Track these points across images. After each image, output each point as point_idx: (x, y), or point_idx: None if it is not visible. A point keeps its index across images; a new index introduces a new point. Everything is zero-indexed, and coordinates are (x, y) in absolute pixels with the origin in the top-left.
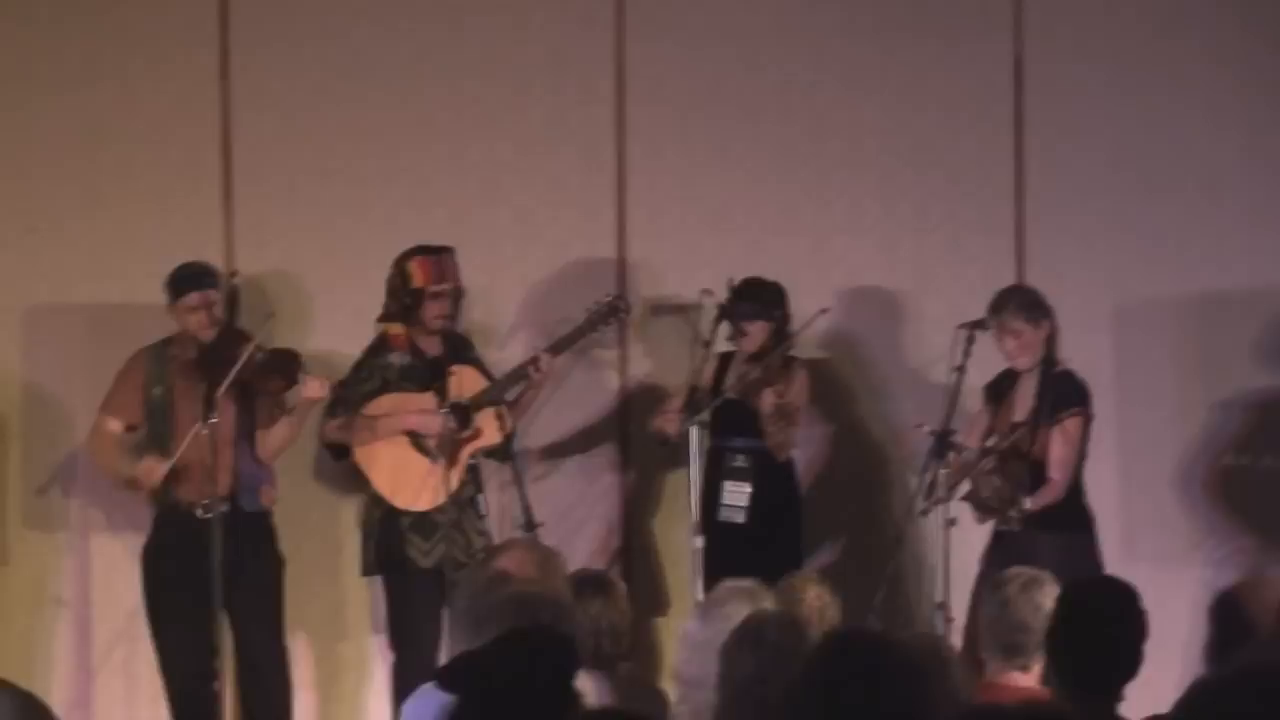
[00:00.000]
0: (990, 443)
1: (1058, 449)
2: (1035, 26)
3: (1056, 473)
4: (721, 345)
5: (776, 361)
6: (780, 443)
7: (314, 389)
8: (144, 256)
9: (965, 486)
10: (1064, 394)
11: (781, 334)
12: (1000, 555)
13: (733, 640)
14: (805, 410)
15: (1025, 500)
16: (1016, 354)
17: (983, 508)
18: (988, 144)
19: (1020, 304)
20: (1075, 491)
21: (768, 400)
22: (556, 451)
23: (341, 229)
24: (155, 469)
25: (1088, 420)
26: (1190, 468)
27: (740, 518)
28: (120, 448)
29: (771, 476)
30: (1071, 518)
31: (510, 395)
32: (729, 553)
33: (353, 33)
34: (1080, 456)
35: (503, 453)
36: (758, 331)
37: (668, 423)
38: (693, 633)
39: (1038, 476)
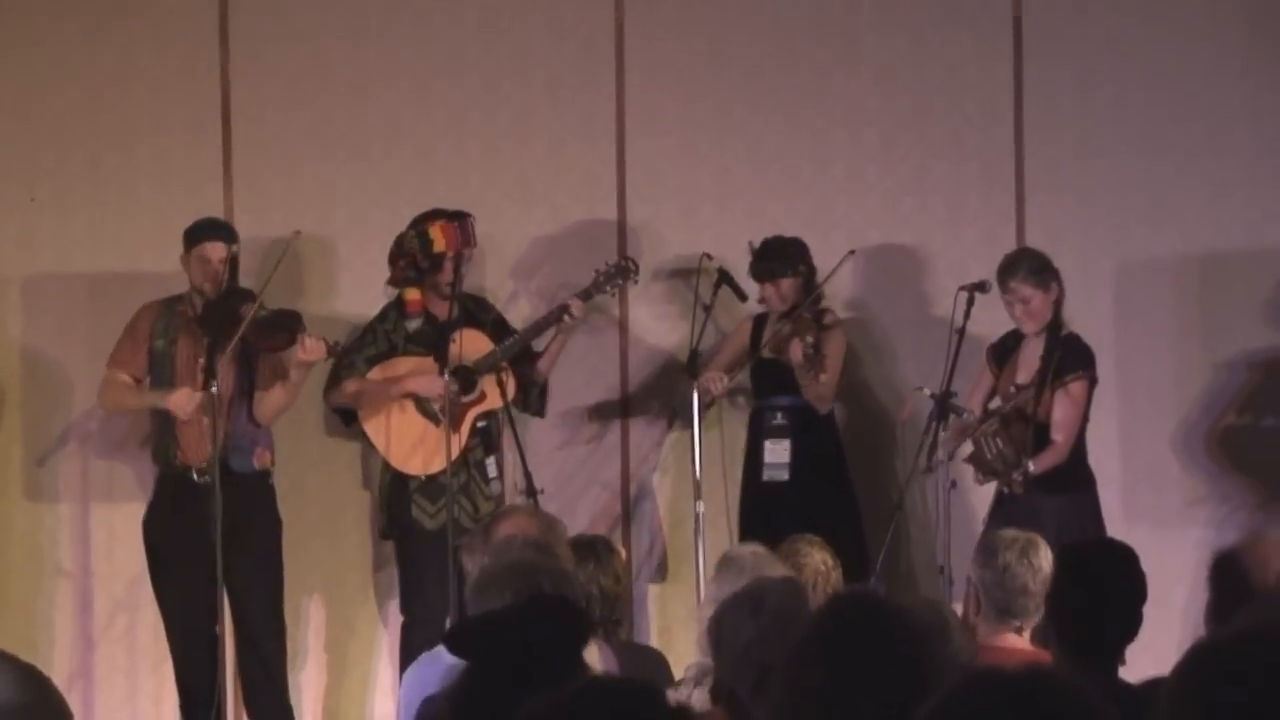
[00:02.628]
0: (993, 405)
1: (1062, 412)
2: None
3: (1060, 435)
4: (754, 308)
5: (807, 313)
6: (818, 394)
7: (311, 350)
8: (144, 225)
9: (967, 449)
10: (1070, 357)
11: (811, 287)
12: (1004, 517)
13: (733, 605)
14: (839, 362)
15: (1029, 463)
16: (1024, 319)
17: (986, 470)
18: (987, 105)
19: (1029, 269)
20: (1078, 454)
21: (796, 351)
22: (557, 417)
23: (341, 196)
24: (191, 398)
25: (1092, 384)
26: (1192, 428)
27: (784, 475)
28: (136, 388)
29: (813, 431)
30: (1074, 480)
31: (537, 345)
32: (775, 512)
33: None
34: (1084, 420)
35: (535, 406)
36: (786, 288)
37: (712, 382)
38: (720, 596)
39: (1041, 439)
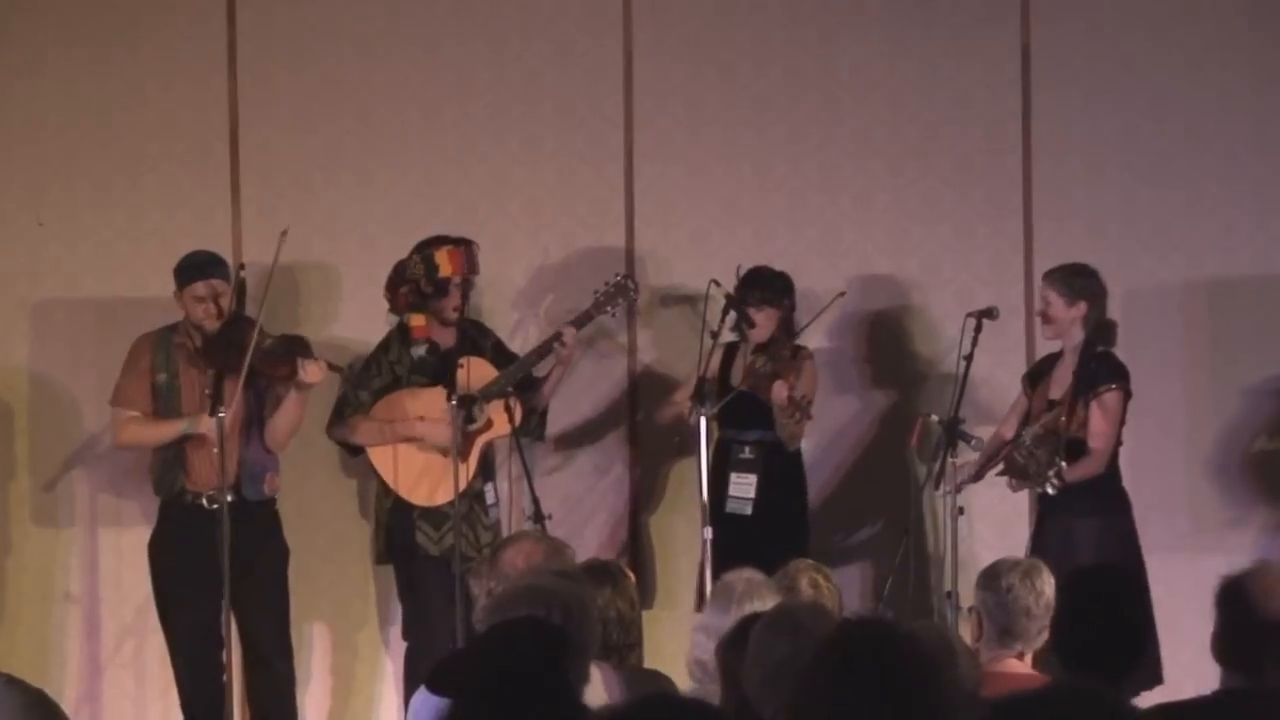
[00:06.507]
0: (1025, 428)
1: (1097, 421)
2: (1043, 15)
3: (1097, 443)
4: (725, 337)
5: (786, 352)
6: (792, 434)
7: (312, 372)
8: (152, 250)
9: (997, 467)
10: (1103, 370)
11: (789, 324)
12: (1040, 543)
13: (767, 624)
14: (812, 398)
15: (1061, 463)
16: (1043, 321)
17: (1019, 474)
18: (996, 133)
19: (1062, 275)
20: (1113, 474)
21: (780, 393)
22: (565, 443)
23: (349, 222)
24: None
25: (1126, 396)
26: (1201, 454)
27: (747, 509)
28: (154, 421)
29: (780, 468)
30: (1109, 502)
31: (538, 371)
32: (735, 544)
33: (360, 25)
34: (1118, 437)
35: (535, 432)
36: (766, 319)
37: (679, 410)
38: (711, 623)
39: (1076, 455)
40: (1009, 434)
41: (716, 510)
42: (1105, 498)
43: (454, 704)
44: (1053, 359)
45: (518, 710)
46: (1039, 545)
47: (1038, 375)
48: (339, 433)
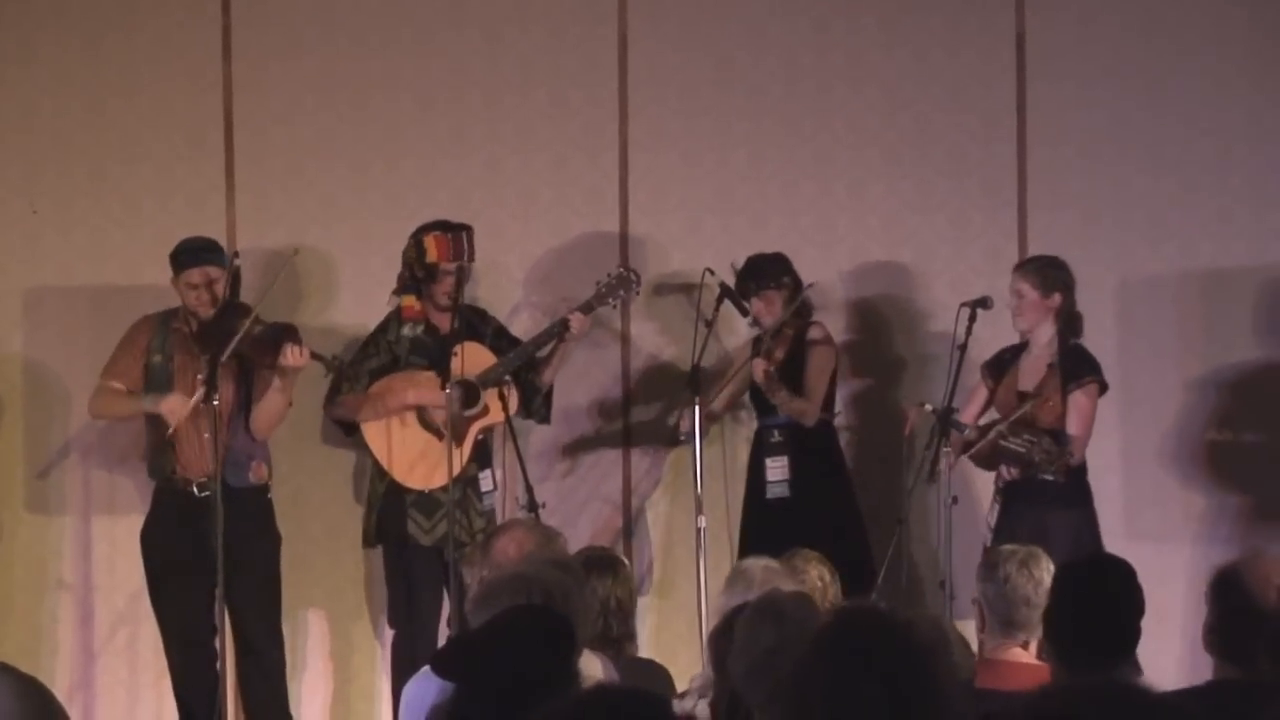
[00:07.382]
0: (984, 420)
1: (1078, 409)
2: (1037, 4)
3: (1078, 432)
4: (749, 332)
5: (789, 330)
6: (794, 409)
7: (292, 356)
8: (146, 238)
9: (973, 461)
10: (1081, 364)
11: (796, 301)
12: (1010, 533)
13: (754, 613)
14: (823, 377)
15: (1072, 454)
16: (1015, 314)
17: (1024, 463)
18: (990, 121)
19: (1035, 266)
20: (1082, 466)
21: (756, 370)
22: (559, 430)
23: (343, 210)
24: (182, 404)
25: (1102, 389)
26: (1194, 444)
27: (785, 491)
28: (127, 395)
29: (810, 447)
30: (1079, 494)
31: (541, 353)
32: (776, 527)
33: (354, 14)
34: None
35: (540, 414)
36: (772, 303)
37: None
38: (730, 607)
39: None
40: (969, 422)
41: (757, 497)
42: (1076, 490)
43: (460, 689)
44: (1016, 350)
45: (524, 698)
46: (1006, 535)
47: (1000, 365)
48: (335, 409)
